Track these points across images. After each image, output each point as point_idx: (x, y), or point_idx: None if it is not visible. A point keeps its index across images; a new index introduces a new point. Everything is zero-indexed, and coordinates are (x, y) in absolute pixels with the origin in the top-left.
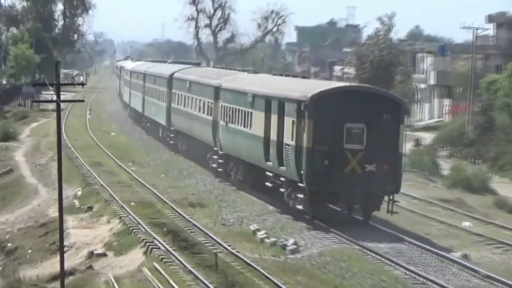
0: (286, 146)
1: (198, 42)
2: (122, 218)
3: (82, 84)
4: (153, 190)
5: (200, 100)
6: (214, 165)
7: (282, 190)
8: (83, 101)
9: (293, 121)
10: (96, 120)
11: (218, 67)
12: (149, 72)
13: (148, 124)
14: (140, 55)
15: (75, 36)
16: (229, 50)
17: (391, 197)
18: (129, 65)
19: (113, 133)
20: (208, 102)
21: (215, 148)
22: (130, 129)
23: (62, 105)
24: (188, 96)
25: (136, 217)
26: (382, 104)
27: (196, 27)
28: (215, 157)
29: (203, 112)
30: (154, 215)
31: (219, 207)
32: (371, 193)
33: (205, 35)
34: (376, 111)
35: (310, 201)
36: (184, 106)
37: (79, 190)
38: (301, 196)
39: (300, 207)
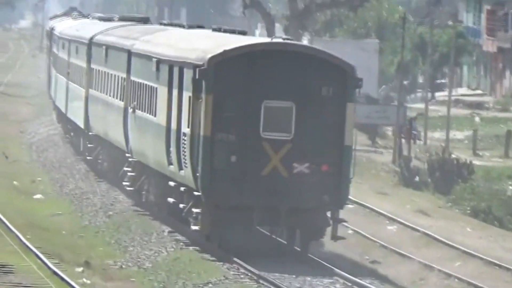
0: (183, 137)
1: None
2: None
3: None
4: None
5: (114, 76)
6: (127, 183)
7: (181, 206)
8: None
9: (189, 97)
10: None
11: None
12: (75, 36)
13: (72, 134)
14: (107, 7)
15: None
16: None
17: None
18: (62, 26)
19: (38, 195)
20: (121, 77)
21: (126, 155)
22: (79, 184)
23: None
24: (104, 72)
25: None
26: (320, 72)
27: None
28: (127, 169)
29: (115, 96)
30: None
31: None
32: (302, 208)
33: None
34: (311, 82)
35: (210, 219)
36: (100, 91)
37: None
38: (197, 211)
39: (195, 227)
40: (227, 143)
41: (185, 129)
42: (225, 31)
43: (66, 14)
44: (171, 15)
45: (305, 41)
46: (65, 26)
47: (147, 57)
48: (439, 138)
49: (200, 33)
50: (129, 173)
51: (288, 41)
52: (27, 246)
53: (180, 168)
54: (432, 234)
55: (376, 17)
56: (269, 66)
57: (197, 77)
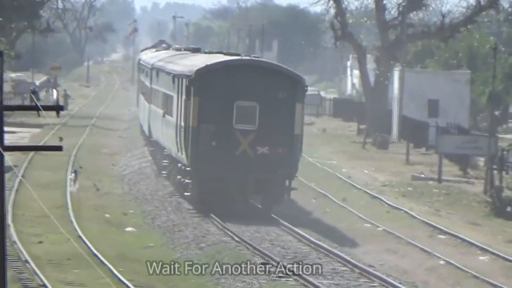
0: (181, 128)
1: (339, 9)
2: None
3: (57, 108)
4: None
5: (159, 91)
6: (164, 172)
7: (182, 180)
8: (59, 148)
9: (184, 99)
10: (91, 196)
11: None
12: (148, 63)
13: (145, 142)
14: (198, 39)
15: None
16: (414, 29)
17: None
18: (145, 56)
19: (130, 228)
20: (162, 92)
21: (164, 150)
22: (171, 217)
23: (8, 157)
24: (156, 89)
25: None
26: (277, 81)
27: None
28: (164, 161)
29: (159, 106)
30: None
31: None
32: (263, 179)
33: None
34: (270, 88)
35: (198, 187)
36: (154, 104)
37: None
38: (188, 181)
39: (187, 193)
40: (209, 132)
41: (182, 122)
42: (226, 53)
43: (154, 46)
44: (263, 47)
45: (396, 72)
46: (148, 56)
47: (170, 74)
48: None
49: (207, 55)
50: (163, 164)
51: (254, 58)
52: (119, 279)
53: (181, 153)
54: None
55: (467, 47)
56: (240, 76)
57: (187, 84)
